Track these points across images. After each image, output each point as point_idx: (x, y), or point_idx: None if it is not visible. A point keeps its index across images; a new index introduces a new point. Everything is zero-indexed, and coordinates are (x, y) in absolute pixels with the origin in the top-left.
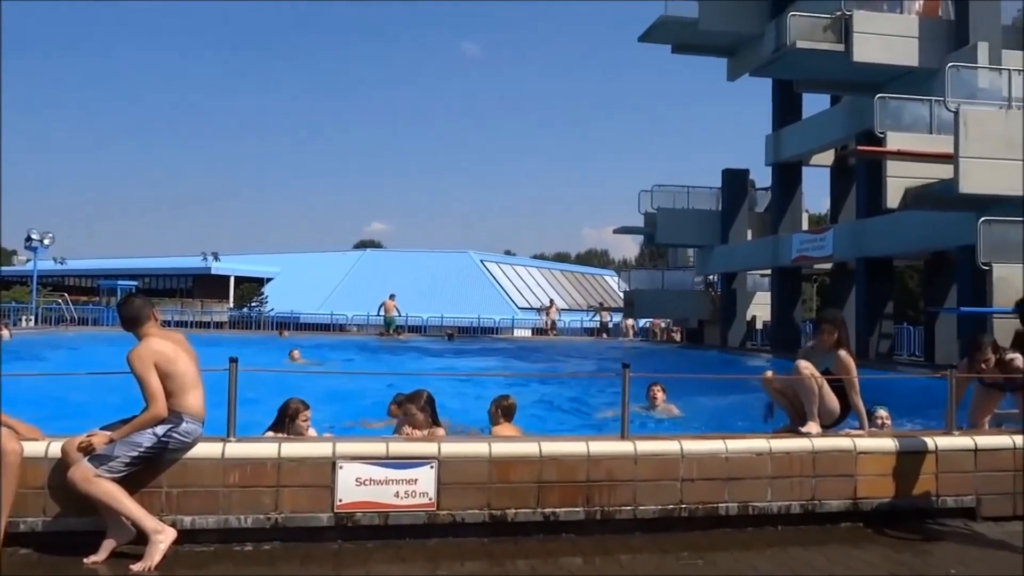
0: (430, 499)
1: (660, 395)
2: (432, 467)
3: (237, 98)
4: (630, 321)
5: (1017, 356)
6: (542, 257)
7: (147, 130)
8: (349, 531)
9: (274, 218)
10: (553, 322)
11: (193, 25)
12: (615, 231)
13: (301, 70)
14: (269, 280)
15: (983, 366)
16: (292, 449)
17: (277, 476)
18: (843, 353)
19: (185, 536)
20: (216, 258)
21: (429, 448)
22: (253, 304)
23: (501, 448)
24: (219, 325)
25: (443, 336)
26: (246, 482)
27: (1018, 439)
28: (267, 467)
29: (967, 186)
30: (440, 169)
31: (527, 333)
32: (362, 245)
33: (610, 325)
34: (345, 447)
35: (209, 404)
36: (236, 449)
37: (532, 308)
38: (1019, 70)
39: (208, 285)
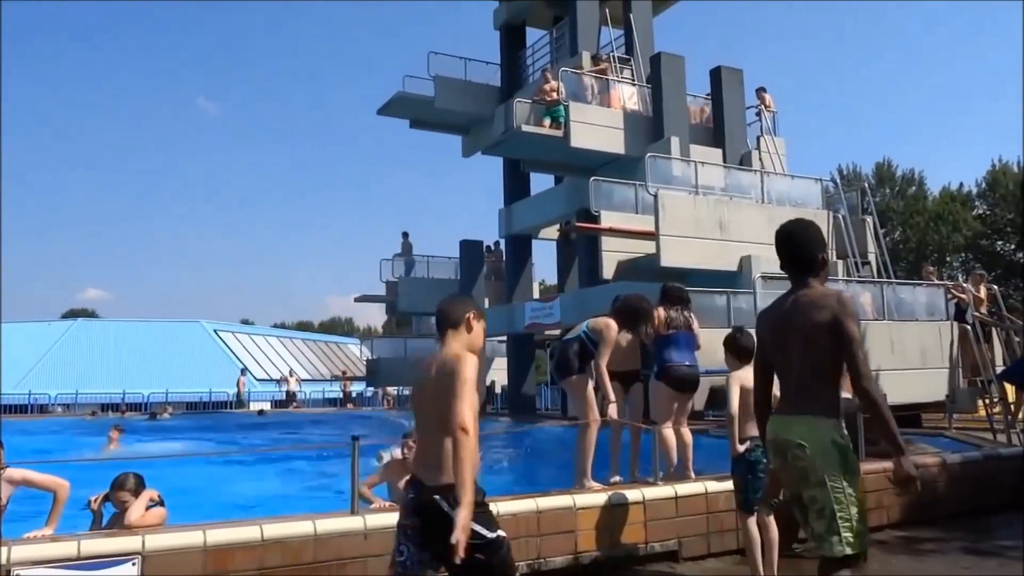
0: None
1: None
2: (135, 564)
3: None
4: (392, 389)
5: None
6: (283, 326)
7: None
8: None
9: None
10: (293, 393)
11: None
12: (356, 299)
13: (12, 114)
14: None
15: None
16: None
17: None
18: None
19: None
20: None
21: (131, 543)
22: None
23: (218, 535)
24: None
25: (148, 415)
26: None
27: (709, 484)
28: None
29: (666, 260)
30: (170, 233)
31: (266, 406)
32: (73, 314)
33: (353, 395)
34: (23, 551)
35: None
36: None
37: (271, 379)
38: (703, 162)
39: None
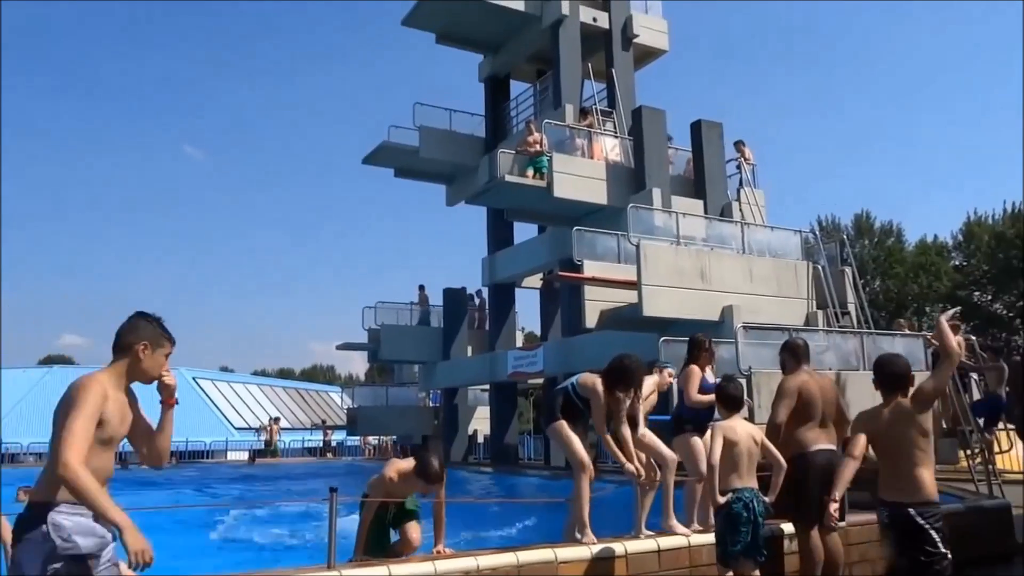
0: None
1: None
2: None
3: None
4: (372, 439)
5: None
6: (264, 373)
7: None
8: None
9: None
10: (273, 442)
11: None
12: (338, 347)
13: None
14: None
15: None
16: None
17: None
18: None
19: None
20: None
21: None
22: None
23: None
24: None
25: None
26: None
27: (692, 538)
28: None
29: (648, 310)
30: (149, 278)
31: (244, 455)
32: (50, 361)
33: (334, 444)
34: None
35: None
36: None
37: (250, 428)
38: (684, 213)
39: None
